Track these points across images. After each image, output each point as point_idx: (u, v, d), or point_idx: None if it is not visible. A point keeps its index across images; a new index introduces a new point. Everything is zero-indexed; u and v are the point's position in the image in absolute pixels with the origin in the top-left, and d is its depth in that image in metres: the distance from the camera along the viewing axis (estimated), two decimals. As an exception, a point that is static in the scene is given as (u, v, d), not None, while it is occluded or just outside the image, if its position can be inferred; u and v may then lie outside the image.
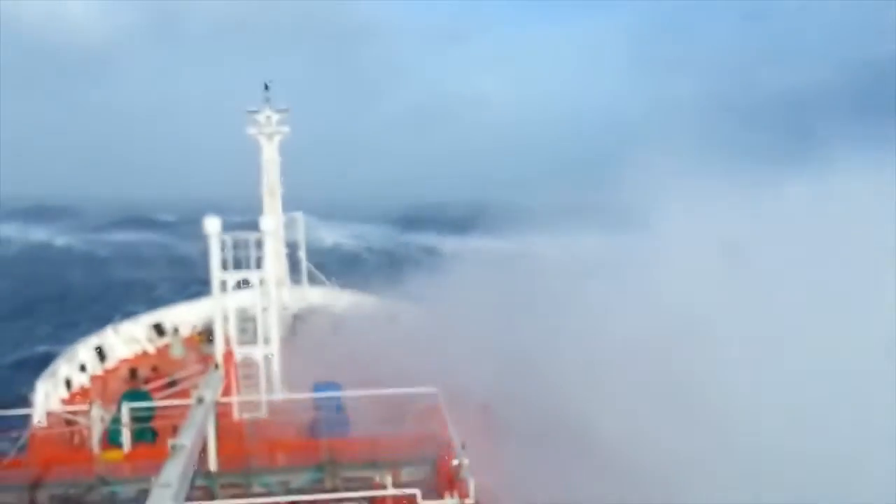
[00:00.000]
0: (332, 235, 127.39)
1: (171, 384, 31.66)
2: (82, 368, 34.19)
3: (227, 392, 25.87)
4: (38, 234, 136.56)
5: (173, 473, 15.95)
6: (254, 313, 28.09)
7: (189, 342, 38.15)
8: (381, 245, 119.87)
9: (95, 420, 24.76)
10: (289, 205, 40.39)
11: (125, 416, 25.19)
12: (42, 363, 34.74)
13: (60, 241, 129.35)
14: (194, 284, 52.04)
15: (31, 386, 30.47)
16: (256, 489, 22.03)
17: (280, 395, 27.59)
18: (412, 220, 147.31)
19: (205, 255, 27.46)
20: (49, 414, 27.87)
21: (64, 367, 32.87)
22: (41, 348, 55.34)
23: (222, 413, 25.32)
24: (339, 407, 26.48)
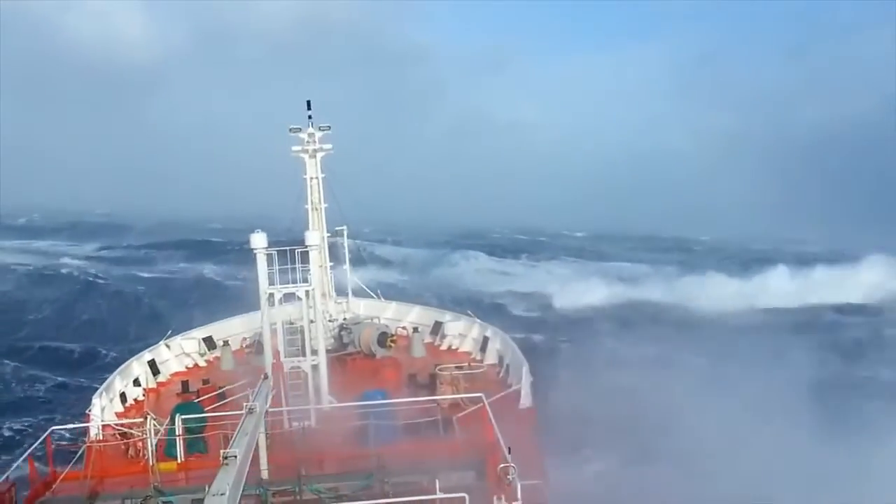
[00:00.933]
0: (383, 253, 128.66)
1: (222, 396, 32.27)
2: (136, 383, 34.92)
3: (276, 402, 26.37)
4: (86, 248, 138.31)
5: (226, 482, 16.38)
6: (301, 325, 28.59)
7: (238, 355, 38.79)
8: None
9: (149, 432, 25.35)
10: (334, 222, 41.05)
11: (178, 427, 25.84)
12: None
13: (108, 255, 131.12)
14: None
15: (87, 401, 31.24)
16: (307, 496, 22.42)
17: (328, 404, 28.05)
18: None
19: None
20: (105, 427, 28.55)
21: (118, 382, 33.61)
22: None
23: (272, 423, 25.85)
24: (387, 414, 26.89)
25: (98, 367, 54.95)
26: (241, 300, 41.94)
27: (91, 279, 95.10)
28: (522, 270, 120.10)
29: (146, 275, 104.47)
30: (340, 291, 42.76)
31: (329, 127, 39.74)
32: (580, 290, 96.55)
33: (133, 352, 39.56)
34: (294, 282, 28.56)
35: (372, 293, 44.86)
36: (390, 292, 50.64)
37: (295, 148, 39.70)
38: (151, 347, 38.66)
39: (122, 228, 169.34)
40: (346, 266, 42.71)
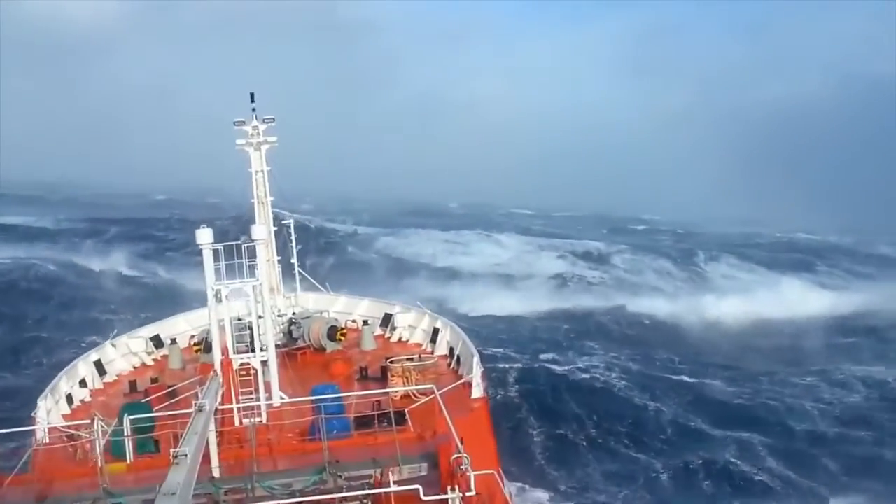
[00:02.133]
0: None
1: (171, 394, 31.89)
2: (82, 384, 34.41)
3: (226, 399, 26.13)
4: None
5: (177, 482, 16.18)
6: (249, 321, 28.34)
7: (187, 353, 38.39)
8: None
9: (97, 433, 24.97)
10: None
11: (126, 427, 25.47)
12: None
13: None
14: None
15: (32, 404, 30.71)
16: (259, 493, 22.25)
17: (279, 400, 27.87)
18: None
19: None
20: (51, 430, 28.08)
21: (64, 383, 33.08)
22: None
23: (223, 420, 25.61)
24: (339, 408, 26.80)
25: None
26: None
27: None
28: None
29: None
30: (288, 286, 42.49)
31: (273, 119, 39.33)
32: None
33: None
34: (241, 277, 28.27)
35: (320, 287, 44.62)
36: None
37: (239, 141, 39.26)
38: (97, 347, 38.16)
39: (57, 201, 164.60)
40: (294, 260, 42.40)
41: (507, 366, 53.20)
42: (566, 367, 55.62)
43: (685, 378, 56.71)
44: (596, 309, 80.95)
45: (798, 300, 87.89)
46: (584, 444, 45.32)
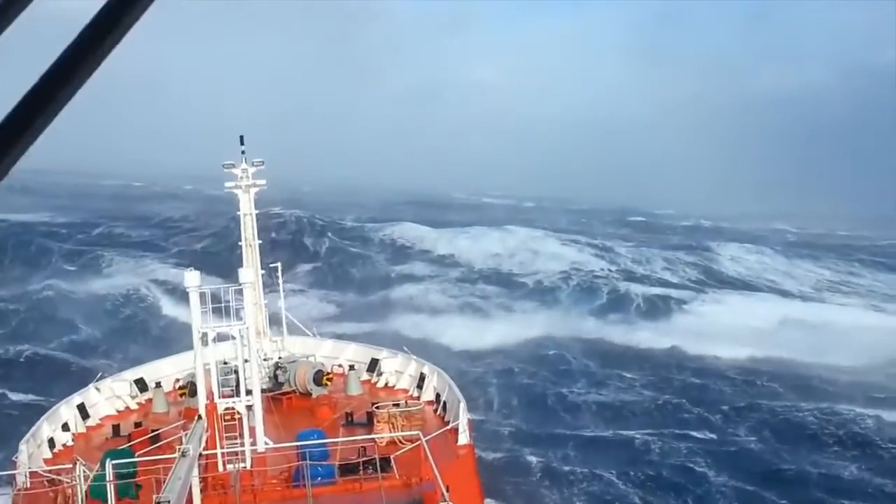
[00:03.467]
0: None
1: (155, 439, 31.58)
2: (65, 427, 34.07)
3: (210, 444, 25.92)
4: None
5: None
6: (235, 365, 28.19)
7: (171, 396, 38.10)
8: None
9: (79, 479, 24.71)
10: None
11: (109, 472, 25.20)
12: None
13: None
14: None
15: (14, 448, 30.40)
16: None
17: (264, 445, 27.65)
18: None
19: None
20: (32, 474, 27.76)
21: (46, 428, 32.75)
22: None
23: (206, 465, 25.39)
24: (323, 454, 26.60)
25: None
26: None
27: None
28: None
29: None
30: (275, 329, 42.31)
31: (262, 162, 39.44)
32: None
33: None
34: (227, 320, 28.19)
35: (307, 331, 44.46)
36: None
37: (228, 184, 39.31)
38: (81, 391, 37.80)
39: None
40: (281, 303, 42.29)
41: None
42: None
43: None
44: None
45: None
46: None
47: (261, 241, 39.37)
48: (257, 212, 39.27)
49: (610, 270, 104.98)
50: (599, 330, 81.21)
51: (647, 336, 78.81)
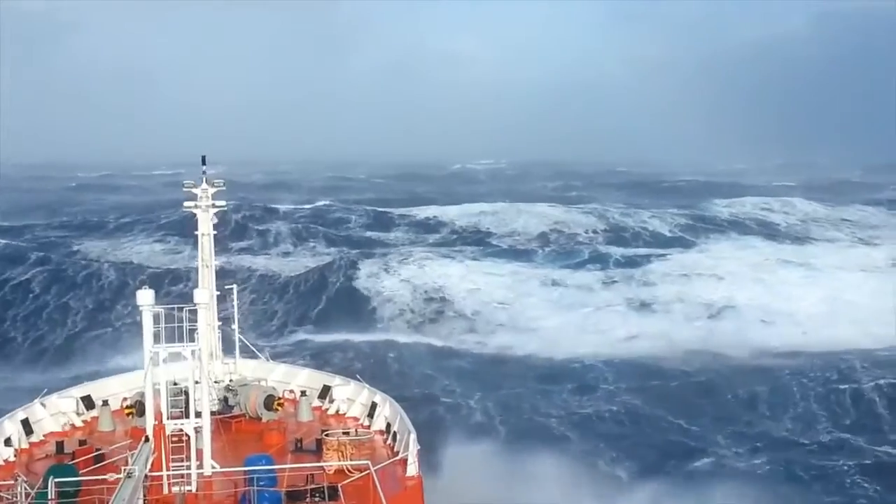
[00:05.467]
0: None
1: (100, 458, 31.09)
2: (7, 442, 33.43)
3: (156, 466, 25.60)
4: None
5: None
6: (186, 386, 27.91)
7: (118, 415, 37.57)
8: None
9: (20, 495, 24.27)
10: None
11: (51, 490, 24.76)
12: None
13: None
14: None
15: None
16: None
17: (211, 469, 27.35)
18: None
19: None
20: None
21: None
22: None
23: (151, 487, 25.05)
24: (271, 480, 26.35)
25: None
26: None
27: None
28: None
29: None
30: (227, 352, 41.95)
31: (224, 183, 39.34)
32: None
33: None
34: (180, 340, 27.94)
35: (260, 354, 44.13)
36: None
37: (188, 204, 39.11)
38: (25, 406, 37.13)
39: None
40: (235, 326, 41.96)
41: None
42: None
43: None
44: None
45: None
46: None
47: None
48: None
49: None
50: None
51: None
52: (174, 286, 76.40)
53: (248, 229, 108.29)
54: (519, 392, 59.69)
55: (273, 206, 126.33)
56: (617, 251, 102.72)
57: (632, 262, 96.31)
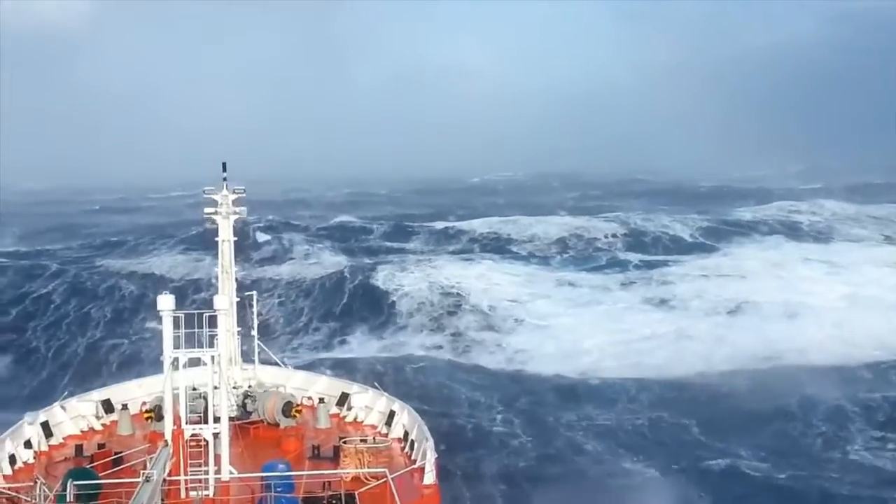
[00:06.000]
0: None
1: (118, 461, 31.25)
2: (27, 444, 33.64)
3: (174, 471, 25.68)
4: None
5: None
6: (204, 391, 28.00)
7: (137, 420, 37.74)
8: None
9: (39, 497, 24.40)
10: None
11: (70, 493, 24.89)
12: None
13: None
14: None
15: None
16: None
17: (228, 474, 27.41)
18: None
19: None
20: None
21: (9, 443, 32.34)
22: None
23: (169, 492, 25.14)
24: (288, 486, 26.40)
25: None
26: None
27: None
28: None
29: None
30: (247, 358, 42.08)
31: (244, 189, 39.50)
32: None
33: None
34: (200, 346, 28.05)
35: (279, 361, 44.25)
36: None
37: (208, 210, 39.30)
38: (45, 408, 37.37)
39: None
40: (254, 332, 42.10)
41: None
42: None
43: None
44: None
45: None
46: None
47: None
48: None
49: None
50: None
51: None
52: (196, 294, 77.09)
53: (270, 242, 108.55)
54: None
55: (294, 222, 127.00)
56: (636, 257, 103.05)
57: (651, 265, 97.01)
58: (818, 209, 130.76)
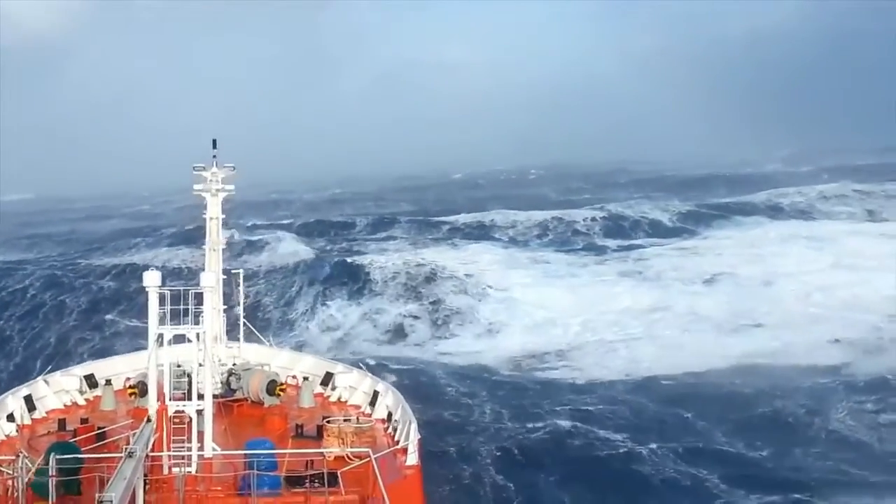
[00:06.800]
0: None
1: (101, 436, 31.23)
2: (10, 418, 33.61)
3: (157, 446, 25.70)
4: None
5: None
6: (189, 368, 28.00)
7: (121, 395, 37.73)
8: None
9: (21, 470, 24.36)
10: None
11: (52, 467, 24.86)
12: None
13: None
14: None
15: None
16: None
17: (211, 451, 27.44)
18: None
19: None
20: None
21: None
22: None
23: (152, 467, 25.15)
24: (271, 464, 26.44)
25: None
26: None
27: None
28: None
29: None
30: (232, 336, 42.07)
31: (234, 167, 39.42)
32: None
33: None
34: (185, 323, 28.02)
35: (264, 339, 44.24)
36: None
37: (197, 187, 39.20)
38: (29, 382, 37.32)
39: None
40: (240, 310, 42.08)
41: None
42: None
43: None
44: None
45: None
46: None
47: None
48: None
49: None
50: None
51: None
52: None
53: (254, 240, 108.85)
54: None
55: (279, 221, 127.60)
56: (614, 242, 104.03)
57: (629, 248, 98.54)
58: (804, 191, 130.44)
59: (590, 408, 51.56)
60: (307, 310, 78.69)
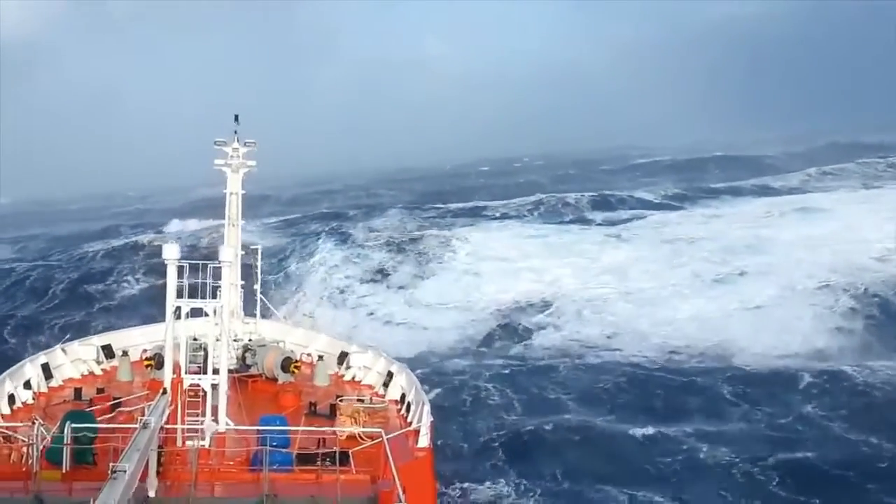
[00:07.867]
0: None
1: (116, 407, 31.46)
2: (27, 385, 33.87)
3: (172, 419, 25.84)
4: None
5: (111, 497, 15.98)
6: (205, 342, 28.11)
7: (137, 366, 37.95)
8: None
9: (36, 437, 24.55)
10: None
11: (67, 435, 25.05)
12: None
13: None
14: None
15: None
16: None
17: (225, 426, 27.58)
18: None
19: None
20: None
21: (8, 383, 32.55)
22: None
23: (165, 440, 25.31)
24: (283, 441, 26.55)
25: None
26: None
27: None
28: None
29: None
30: (248, 311, 42.22)
31: (255, 143, 39.53)
32: None
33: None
34: (203, 297, 28.10)
35: (280, 316, 44.40)
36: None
37: (218, 161, 39.32)
38: (47, 350, 37.59)
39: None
40: (257, 286, 42.22)
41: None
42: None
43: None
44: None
45: None
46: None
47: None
48: None
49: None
50: None
51: None
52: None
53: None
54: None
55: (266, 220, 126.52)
56: (601, 215, 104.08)
57: (615, 221, 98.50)
58: (798, 171, 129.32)
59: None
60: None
